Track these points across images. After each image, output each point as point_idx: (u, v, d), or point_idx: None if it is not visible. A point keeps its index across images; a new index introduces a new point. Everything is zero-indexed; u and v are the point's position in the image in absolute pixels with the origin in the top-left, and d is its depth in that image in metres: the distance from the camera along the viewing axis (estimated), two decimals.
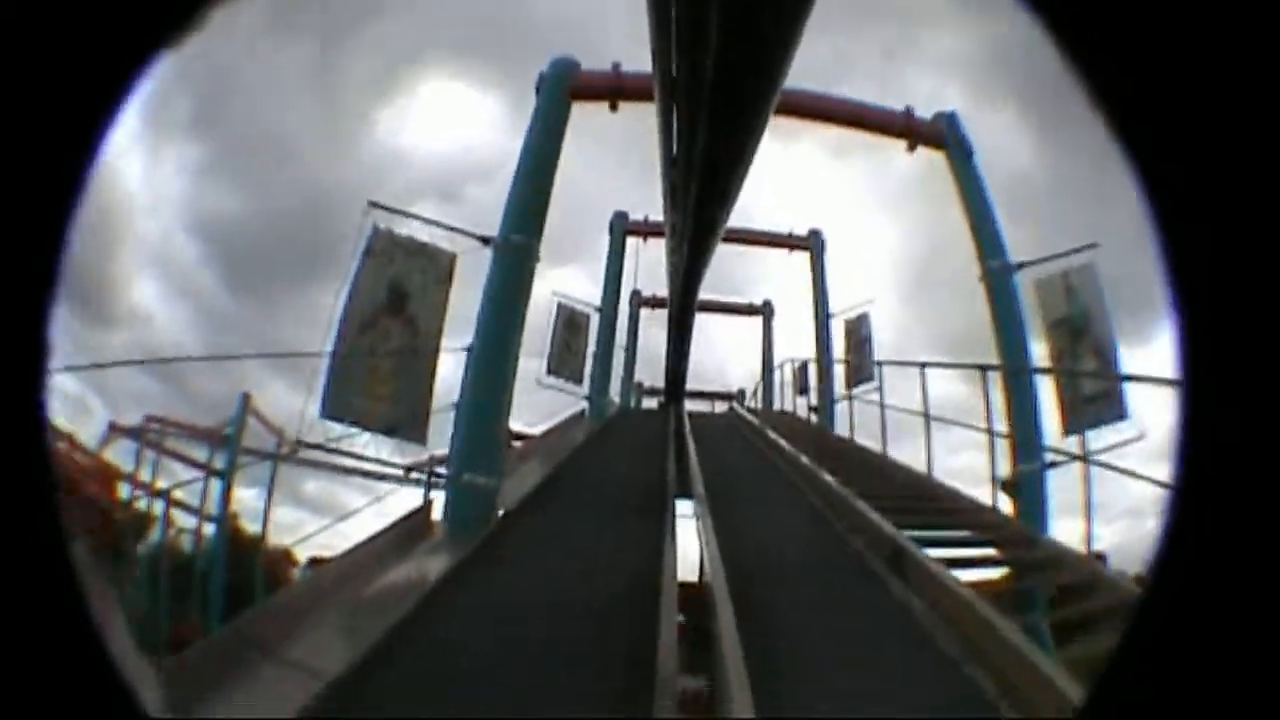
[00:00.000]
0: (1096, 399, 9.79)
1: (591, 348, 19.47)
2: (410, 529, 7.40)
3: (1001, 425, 10.06)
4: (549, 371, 17.81)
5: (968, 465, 11.60)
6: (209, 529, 13.42)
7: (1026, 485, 9.75)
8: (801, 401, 20.19)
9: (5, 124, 0.91)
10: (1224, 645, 0.91)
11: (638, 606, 5.14)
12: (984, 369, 10.15)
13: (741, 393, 29.11)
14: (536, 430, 16.02)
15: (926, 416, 10.81)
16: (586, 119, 10.40)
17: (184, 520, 13.97)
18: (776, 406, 22.45)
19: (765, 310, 26.92)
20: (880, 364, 13.49)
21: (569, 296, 19.13)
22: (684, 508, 8.20)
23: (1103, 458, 9.14)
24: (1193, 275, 0.92)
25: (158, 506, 13.82)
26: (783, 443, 12.66)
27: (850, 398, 15.78)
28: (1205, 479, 0.93)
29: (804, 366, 20.06)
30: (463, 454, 8.17)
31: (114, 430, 14.22)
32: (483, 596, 5.54)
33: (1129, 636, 0.97)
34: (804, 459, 10.80)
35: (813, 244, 20.23)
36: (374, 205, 8.60)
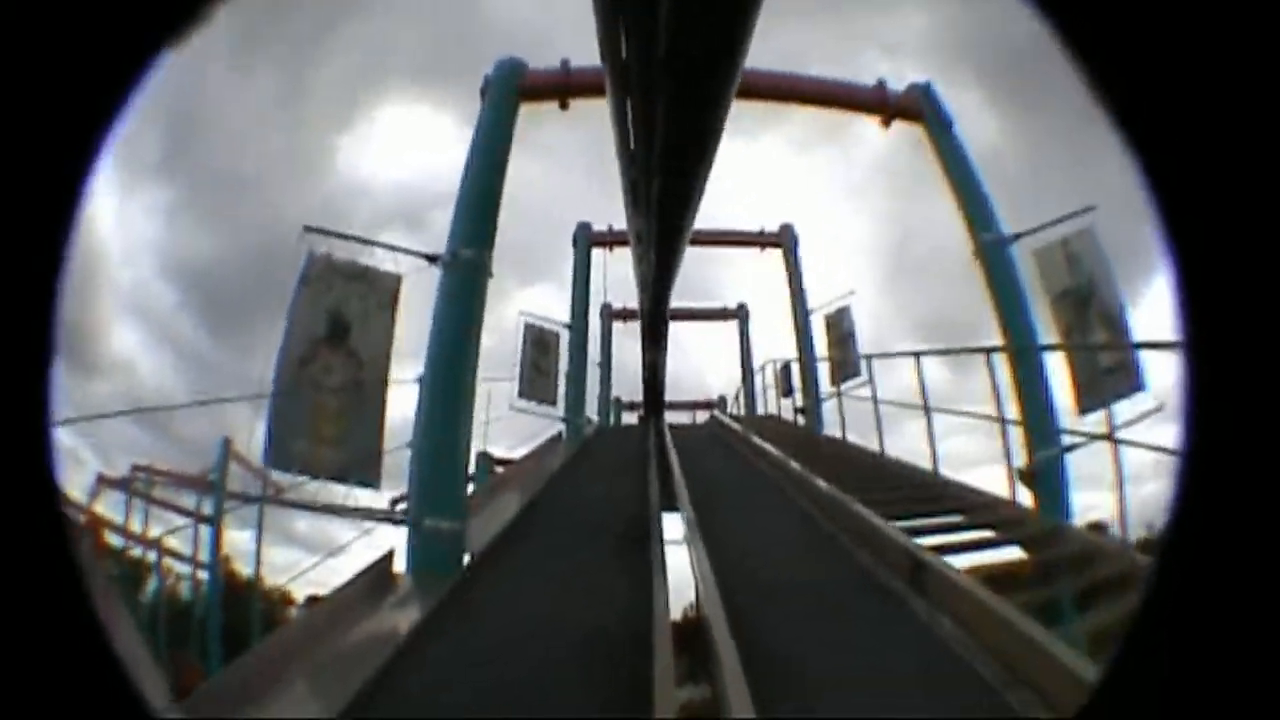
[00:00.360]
0: (1113, 371, 9.06)
1: (564, 366, 18.74)
2: (371, 583, 6.55)
3: (1010, 410, 9.27)
4: (520, 395, 17.15)
5: (956, 450, 11.09)
6: (203, 575, 12.76)
7: (1045, 472, 8.98)
8: (786, 404, 19.46)
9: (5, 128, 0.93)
10: (1238, 616, 0.90)
11: (624, 666, 4.35)
12: (988, 351, 9.38)
13: (722, 399, 28.59)
14: (518, 454, 15.59)
15: (927, 409, 10.01)
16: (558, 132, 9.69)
17: (180, 568, 13.55)
18: (760, 410, 21.75)
19: (740, 313, 26.40)
20: (869, 357, 12.63)
21: (535, 315, 18.51)
22: (672, 524, 7.52)
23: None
24: (1190, 234, 0.93)
25: (151, 555, 13.38)
26: (770, 448, 11.88)
27: (839, 394, 14.93)
28: (1214, 442, 0.93)
29: (786, 367, 19.33)
30: (422, 496, 7.28)
31: (102, 482, 13.79)
32: (443, 671, 4.68)
33: (1143, 611, 0.95)
34: (794, 464, 10.04)
35: (785, 240, 19.53)
36: (309, 230, 7.78)
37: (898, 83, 11.01)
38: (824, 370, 17.44)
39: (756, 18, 4.56)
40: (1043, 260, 9.76)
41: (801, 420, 17.98)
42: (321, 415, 7.31)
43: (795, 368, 18.70)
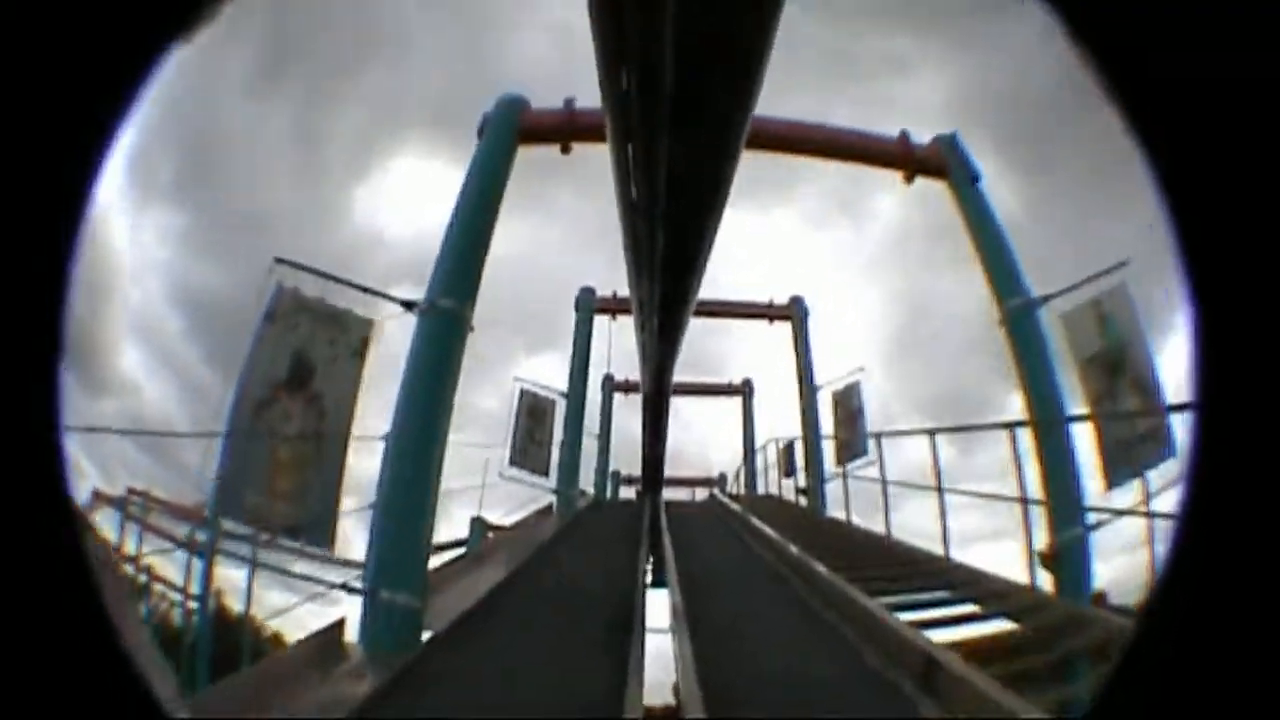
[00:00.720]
0: (1145, 439, 8.29)
1: (559, 436, 17.94)
2: (314, 652, 5.78)
3: (1031, 485, 8.45)
4: (511, 463, 16.33)
5: (962, 528, 9.98)
6: (194, 604, 12.34)
7: (1068, 555, 8.20)
8: (789, 484, 18.63)
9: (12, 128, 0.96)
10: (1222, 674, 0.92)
11: None
12: (1011, 426, 8.61)
13: (723, 477, 27.82)
14: (509, 520, 15.12)
15: (940, 490, 9.22)
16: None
17: (171, 595, 12.69)
18: (761, 490, 20.90)
19: (745, 390, 25.80)
20: (879, 435, 11.86)
21: (531, 382, 17.86)
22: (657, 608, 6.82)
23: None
24: (1212, 294, 0.94)
25: (141, 578, 12.79)
26: (770, 532, 11.03)
27: (844, 475, 14.17)
28: (1213, 504, 0.94)
29: (789, 446, 18.56)
30: (380, 565, 6.47)
31: (98, 498, 13.35)
32: None
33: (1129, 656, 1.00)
34: (793, 549, 9.20)
35: (795, 313, 18.96)
36: (280, 262, 7.13)
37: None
38: (828, 448, 16.67)
39: (770, 47, 4.13)
40: (1072, 324, 9.07)
41: (804, 501, 17.18)
42: (276, 466, 6.57)
43: (799, 447, 17.90)
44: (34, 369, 0.97)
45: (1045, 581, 8.07)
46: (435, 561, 11.80)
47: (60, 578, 0.98)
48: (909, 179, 10.24)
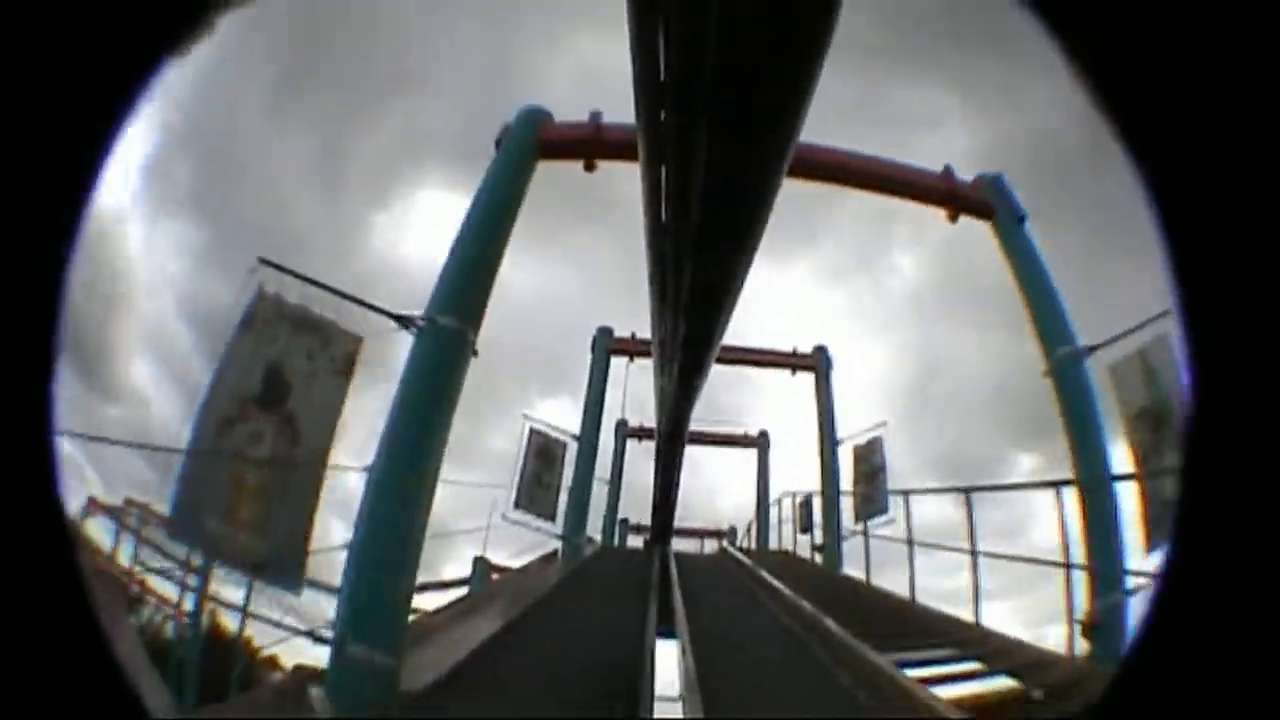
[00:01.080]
0: None
1: (568, 480, 17.23)
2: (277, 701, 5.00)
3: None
4: (517, 505, 15.66)
5: (954, 586, 9.62)
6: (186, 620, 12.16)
7: (1108, 622, 7.50)
8: (804, 539, 17.63)
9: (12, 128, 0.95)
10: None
11: None
12: (1056, 485, 7.85)
13: (733, 530, 26.98)
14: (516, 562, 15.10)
15: (974, 553, 8.47)
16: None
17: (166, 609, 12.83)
18: (774, 545, 19.96)
19: (761, 441, 25.02)
20: (906, 493, 11.01)
21: (542, 422, 17.19)
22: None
23: None
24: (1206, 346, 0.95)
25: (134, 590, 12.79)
26: (785, 590, 10.20)
27: (865, 533, 13.45)
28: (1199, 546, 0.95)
29: (807, 501, 17.67)
30: (352, 614, 5.61)
31: (93, 505, 13.13)
32: None
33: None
34: (806, 606, 8.64)
35: (818, 363, 18.24)
36: (264, 263, 6.41)
37: None
38: (846, 503, 16.07)
39: (823, 60, 3.74)
40: (1119, 377, 8.44)
41: (819, 559, 16.31)
42: (240, 491, 5.78)
43: (817, 503, 17.00)
44: (29, 374, 0.96)
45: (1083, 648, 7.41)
46: (432, 600, 11.15)
47: (49, 584, 0.96)
48: (953, 217, 9.62)
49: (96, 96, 0.97)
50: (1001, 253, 9.41)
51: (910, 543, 10.11)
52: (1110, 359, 8.62)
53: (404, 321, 6.43)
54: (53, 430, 0.99)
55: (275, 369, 6.08)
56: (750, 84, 3.83)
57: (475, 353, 6.87)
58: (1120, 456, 8.49)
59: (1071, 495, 7.93)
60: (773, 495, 22.53)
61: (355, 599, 5.61)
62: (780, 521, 20.10)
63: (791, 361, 18.62)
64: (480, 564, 14.22)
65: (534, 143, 8.36)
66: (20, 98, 0.93)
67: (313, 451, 5.93)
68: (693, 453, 20.45)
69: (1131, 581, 7.83)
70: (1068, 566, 7.54)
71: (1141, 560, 7.84)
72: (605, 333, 19.12)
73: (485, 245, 7.51)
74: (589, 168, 8.62)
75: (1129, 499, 8.14)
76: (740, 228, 5.32)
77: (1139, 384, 8.30)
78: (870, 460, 15.39)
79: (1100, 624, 7.46)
